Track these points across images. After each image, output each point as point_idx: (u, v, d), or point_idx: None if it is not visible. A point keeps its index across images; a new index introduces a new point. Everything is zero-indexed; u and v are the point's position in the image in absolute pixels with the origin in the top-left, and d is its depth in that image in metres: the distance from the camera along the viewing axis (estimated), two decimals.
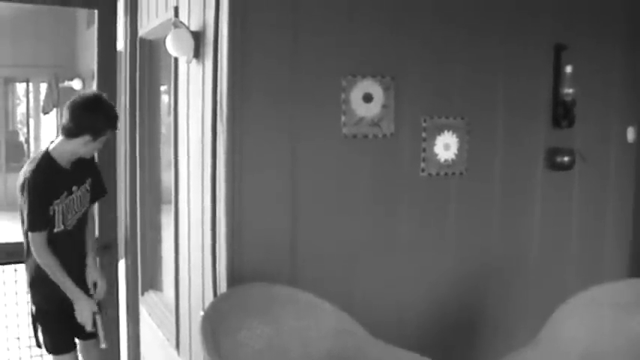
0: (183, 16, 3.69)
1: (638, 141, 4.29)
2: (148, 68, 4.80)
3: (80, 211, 3.26)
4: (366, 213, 3.48)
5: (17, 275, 4.50)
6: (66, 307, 3.36)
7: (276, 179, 3.29)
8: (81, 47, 13.80)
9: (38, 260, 3.21)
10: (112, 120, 3.19)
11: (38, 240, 3.16)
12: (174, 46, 3.49)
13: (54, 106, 13.73)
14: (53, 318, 3.42)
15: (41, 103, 14.77)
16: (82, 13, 13.10)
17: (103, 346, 3.47)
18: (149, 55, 4.79)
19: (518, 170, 3.89)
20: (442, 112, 3.61)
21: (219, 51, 3.21)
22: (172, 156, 4.00)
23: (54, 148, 3.18)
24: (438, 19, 3.58)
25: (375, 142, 3.42)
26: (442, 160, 3.62)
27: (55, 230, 3.22)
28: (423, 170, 3.58)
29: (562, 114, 3.94)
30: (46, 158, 3.15)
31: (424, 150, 3.57)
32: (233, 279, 3.18)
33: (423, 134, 3.57)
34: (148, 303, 4.75)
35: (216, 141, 3.22)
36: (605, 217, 4.24)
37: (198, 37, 3.46)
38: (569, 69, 3.88)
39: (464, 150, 3.67)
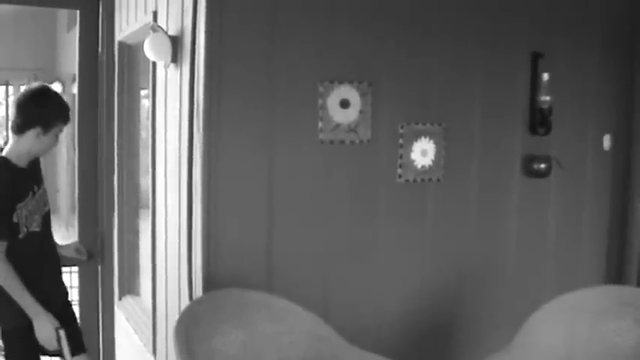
0: (161, 21, 3.68)
1: (614, 148, 4.32)
2: (127, 72, 4.78)
3: (44, 210, 3.16)
4: (343, 219, 3.48)
5: None
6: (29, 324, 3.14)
7: (252, 185, 3.28)
8: (61, 50, 13.75)
9: None
10: (60, 110, 3.08)
11: None
12: (152, 50, 3.49)
13: None
14: (18, 341, 3.18)
15: None
16: (62, 15, 13.05)
17: None
18: (128, 59, 4.77)
19: (495, 177, 3.91)
20: (419, 118, 3.62)
21: (196, 56, 3.21)
22: (150, 160, 3.99)
23: (9, 151, 3.07)
24: (416, 25, 3.59)
25: (352, 148, 3.43)
26: (419, 166, 3.63)
27: (20, 236, 3.08)
28: (399, 176, 3.59)
29: (539, 121, 3.96)
30: (3, 162, 3.03)
31: (401, 156, 3.58)
32: (209, 284, 3.17)
33: (400, 140, 3.57)
34: (125, 308, 4.72)
35: (193, 146, 3.22)
36: (581, 224, 4.26)
37: (176, 41, 3.46)
38: (545, 76, 3.90)
39: (441, 156, 3.68)
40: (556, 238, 4.15)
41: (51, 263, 3.31)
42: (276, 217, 3.32)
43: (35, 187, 3.10)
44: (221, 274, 3.21)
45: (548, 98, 3.93)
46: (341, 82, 3.39)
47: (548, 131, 3.98)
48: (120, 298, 4.83)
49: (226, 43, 3.17)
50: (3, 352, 3.15)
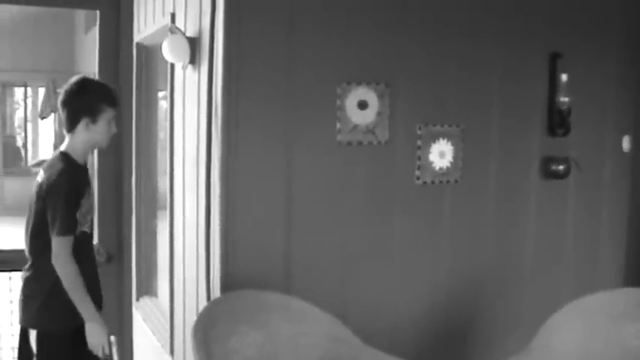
0: (179, 22, 3.70)
1: (634, 150, 4.29)
2: (145, 74, 4.81)
3: (93, 212, 3.12)
4: (361, 220, 3.48)
5: (12, 283, 4.42)
6: (80, 329, 3.01)
7: (270, 186, 3.28)
8: (79, 52, 13.84)
9: (60, 269, 2.90)
10: (102, 94, 3.01)
11: (66, 245, 2.88)
12: (171, 51, 3.50)
13: (52, 111, 13.75)
14: (65, 344, 3.06)
15: (39, 108, 14.79)
16: (80, 17, 13.13)
17: None
18: (146, 60, 4.79)
19: (513, 178, 3.89)
20: (437, 119, 3.61)
21: (214, 57, 3.22)
22: (168, 162, 4.00)
23: (67, 147, 3.02)
24: (433, 26, 3.59)
25: (370, 149, 3.42)
26: (437, 167, 3.62)
27: (77, 232, 3.01)
28: (417, 178, 3.58)
29: (557, 122, 3.94)
30: (65, 158, 2.98)
31: (419, 158, 3.57)
32: (226, 286, 3.17)
33: (418, 142, 3.57)
34: (142, 309, 4.74)
35: (211, 147, 3.22)
36: (599, 226, 4.23)
37: (194, 43, 3.47)
38: (564, 77, 3.88)
39: (459, 158, 3.67)
40: (574, 240, 4.13)
41: (93, 268, 3.22)
42: (293, 219, 3.32)
43: (88, 187, 3.06)
44: (239, 275, 3.21)
45: (567, 99, 3.91)
46: (359, 84, 3.38)
47: (567, 132, 3.96)
48: (137, 299, 4.85)
49: (244, 45, 3.17)
50: (35, 356, 3.03)
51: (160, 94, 4.87)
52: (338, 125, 3.36)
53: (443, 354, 3.74)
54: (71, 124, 2.96)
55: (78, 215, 2.98)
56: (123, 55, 4.75)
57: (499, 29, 3.77)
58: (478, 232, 3.81)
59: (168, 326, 4.01)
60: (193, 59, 3.49)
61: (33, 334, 3.01)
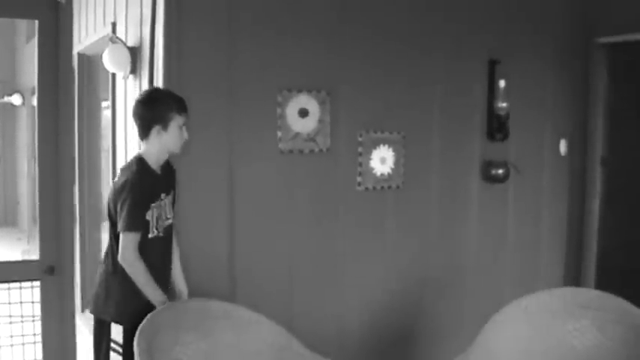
0: (120, 32, 3.67)
1: (570, 153, 4.40)
2: (88, 83, 4.75)
3: (169, 219, 3.17)
4: (304, 228, 3.50)
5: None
6: None
7: (213, 195, 3.28)
8: (20, 62, 13.59)
9: (126, 265, 2.97)
10: (170, 102, 3.06)
11: (131, 242, 2.95)
12: (111, 61, 3.47)
13: None
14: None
15: None
16: (21, 26, 12.90)
17: None
18: (88, 70, 4.74)
19: (455, 183, 3.96)
20: (378, 126, 3.66)
21: (155, 67, 3.21)
22: (111, 173, 3.96)
23: (143, 152, 3.10)
24: (375, 34, 3.64)
25: (312, 157, 3.45)
26: (378, 174, 3.66)
27: (150, 236, 3.05)
28: (359, 184, 3.62)
29: (496, 127, 4.02)
30: (140, 162, 3.04)
31: (360, 164, 3.61)
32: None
33: (359, 149, 3.61)
34: (88, 320, 4.67)
35: None
36: (539, 227, 4.33)
37: (135, 52, 3.45)
38: (502, 83, 3.97)
39: (400, 164, 3.72)
40: (515, 241, 4.22)
41: (165, 273, 3.28)
42: (237, 227, 3.33)
43: (163, 195, 3.12)
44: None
45: (505, 105, 4.00)
46: (299, 91, 3.41)
47: (505, 137, 4.05)
48: (83, 311, 4.78)
49: (184, 54, 3.17)
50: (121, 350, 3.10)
51: (104, 103, 4.82)
52: (279, 133, 3.38)
53: (389, 356, 3.78)
54: (144, 132, 3.08)
55: (149, 217, 3.06)
56: (63, 64, 4.69)
57: (439, 37, 3.84)
58: (421, 236, 3.87)
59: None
60: (134, 69, 3.47)
61: (118, 329, 3.10)
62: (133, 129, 3.49)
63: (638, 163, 4.62)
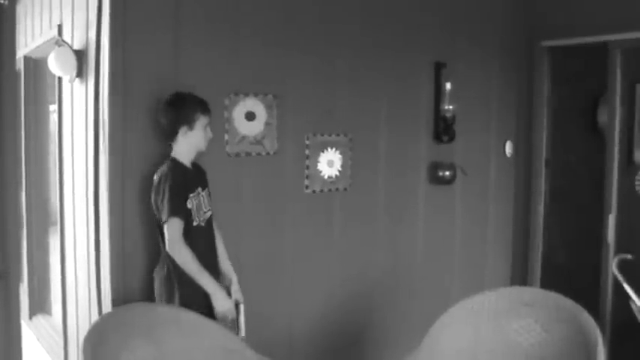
0: (66, 34, 3.64)
1: (516, 154, 4.48)
2: (34, 87, 4.70)
3: (209, 210, 3.23)
4: (252, 232, 3.51)
5: None
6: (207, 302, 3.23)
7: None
8: None
9: (175, 253, 3.06)
10: (194, 104, 3.21)
11: (176, 229, 3.04)
12: (57, 65, 3.45)
13: None
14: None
15: None
16: None
17: (242, 334, 3.28)
18: (35, 73, 4.69)
19: (402, 185, 4.00)
20: (325, 129, 3.68)
21: (101, 70, 3.18)
22: (58, 177, 3.93)
23: (173, 153, 3.23)
24: (321, 38, 3.66)
25: (259, 160, 3.46)
26: (326, 176, 3.69)
27: (194, 224, 3.17)
28: (306, 187, 3.64)
29: (443, 129, 4.07)
30: (173, 160, 3.19)
31: (307, 167, 3.63)
32: (118, 300, 3.13)
33: (307, 151, 3.63)
34: (36, 328, 4.63)
35: (99, 162, 3.19)
36: (486, 228, 4.40)
37: (81, 56, 3.42)
38: (448, 86, 4.03)
39: (347, 166, 3.75)
40: (463, 242, 4.28)
41: (212, 262, 3.31)
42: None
43: (199, 189, 3.22)
44: (130, 289, 3.17)
45: (451, 107, 4.06)
46: (246, 95, 3.41)
47: (452, 139, 4.11)
48: (30, 318, 4.72)
49: (130, 56, 3.14)
50: None
51: (52, 107, 4.77)
52: (226, 137, 3.38)
53: (338, 358, 3.80)
54: (171, 134, 3.20)
55: (190, 205, 3.17)
56: (7, 67, 4.61)
57: (386, 40, 3.87)
58: (368, 238, 3.90)
59: (62, 344, 3.93)
60: (80, 72, 3.44)
61: None
62: (80, 132, 3.47)
63: (580, 163, 4.73)
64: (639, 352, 3.88)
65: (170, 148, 3.19)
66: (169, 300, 3.13)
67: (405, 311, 4.03)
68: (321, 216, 3.72)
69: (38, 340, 4.50)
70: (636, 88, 4.66)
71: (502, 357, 3.25)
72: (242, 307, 3.28)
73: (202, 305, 3.12)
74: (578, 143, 4.74)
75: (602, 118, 4.49)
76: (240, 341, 3.08)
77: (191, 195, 3.16)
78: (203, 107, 3.19)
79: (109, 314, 2.91)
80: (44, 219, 4.78)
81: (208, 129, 3.20)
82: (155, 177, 3.12)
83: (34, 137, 4.68)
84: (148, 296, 3.16)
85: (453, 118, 4.08)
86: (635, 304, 3.81)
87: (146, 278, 3.20)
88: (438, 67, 4.06)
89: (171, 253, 3.06)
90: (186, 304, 3.12)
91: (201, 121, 3.17)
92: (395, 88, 3.93)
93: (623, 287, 3.88)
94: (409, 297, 4.05)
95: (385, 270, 3.96)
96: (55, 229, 4.49)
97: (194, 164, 3.25)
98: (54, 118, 4.70)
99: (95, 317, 3.23)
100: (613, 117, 4.05)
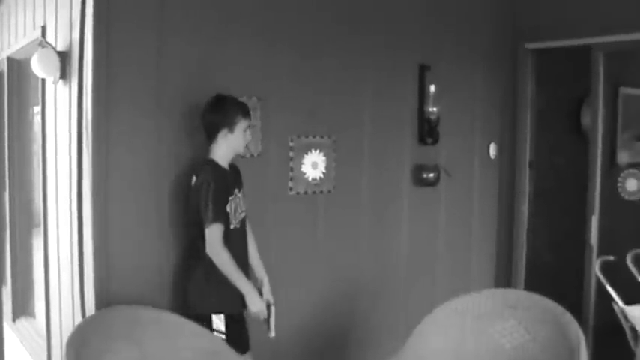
0: (50, 36, 3.62)
1: (500, 156, 4.50)
2: (18, 88, 4.67)
3: (244, 211, 3.32)
4: None
5: None
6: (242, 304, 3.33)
7: (143, 201, 3.24)
8: None
9: (215, 256, 3.15)
10: (235, 108, 3.27)
11: (217, 233, 3.13)
12: (40, 66, 3.43)
13: None
14: (238, 319, 3.35)
15: None
16: None
17: (272, 334, 3.36)
18: (18, 74, 4.66)
19: (386, 187, 4.01)
20: (309, 131, 3.68)
21: (84, 71, 3.16)
22: (41, 178, 3.90)
23: (211, 154, 3.29)
24: (305, 40, 3.66)
25: (243, 162, 3.44)
26: (310, 178, 3.69)
27: (231, 227, 3.24)
28: (290, 189, 3.64)
29: (427, 131, 4.09)
30: (212, 162, 3.24)
31: (291, 169, 3.64)
32: (101, 302, 3.11)
33: (290, 154, 3.63)
34: (19, 330, 4.60)
35: (82, 164, 3.17)
36: (470, 229, 4.42)
37: (64, 57, 3.40)
38: (432, 88, 4.04)
39: (331, 168, 3.75)
40: (447, 243, 4.29)
41: (245, 263, 3.37)
42: (168, 233, 3.30)
43: (235, 190, 3.28)
44: (114, 291, 3.15)
45: (435, 109, 4.07)
46: None
47: (436, 141, 4.12)
48: (14, 320, 4.70)
49: (114, 58, 3.12)
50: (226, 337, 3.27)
51: (36, 108, 4.75)
52: None
53: None
54: (212, 136, 3.26)
55: (229, 209, 3.24)
56: None
57: (370, 42, 3.88)
58: (352, 240, 3.90)
59: (45, 347, 3.91)
60: (64, 74, 3.42)
61: (219, 318, 3.25)
62: (63, 134, 3.46)
63: (564, 165, 4.77)
64: (621, 354, 3.91)
65: (208, 150, 3.24)
66: (205, 300, 3.21)
67: (389, 312, 4.03)
68: (305, 218, 3.72)
69: (22, 342, 4.48)
70: (619, 91, 4.70)
71: (486, 358, 3.26)
72: (273, 308, 3.36)
73: (237, 305, 3.22)
74: (562, 145, 4.77)
75: (586, 120, 4.52)
76: (224, 343, 3.08)
77: (230, 198, 3.23)
78: (244, 110, 3.26)
79: (92, 316, 2.90)
80: (28, 221, 4.75)
81: (248, 132, 3.26)
82: (194, 179, 3.19)
83: (17, 139, 4.65)
84: (132, 298, 3.15)
85: (437, 120, 4.09)
86: (618, 306, 3.85)
87: (130, 280, 3.18)
88: (423, 70, 4.08)
89: (211, 255, 3.14)
90: (222, 304, 3.22)
91: (242, 125, 3.23)
92: (379, 90, 3.94)
93: (605, 289, 3.91)
94: (393, 298, 4.05)
95: (370, 272, 3.97)
96: (38, 230, 4.47)
97: (230, 165, 3.31)
98: (38, 119, 4.69)
99: (79, 319, 3.21)
100: (596, 119, 4.07)
